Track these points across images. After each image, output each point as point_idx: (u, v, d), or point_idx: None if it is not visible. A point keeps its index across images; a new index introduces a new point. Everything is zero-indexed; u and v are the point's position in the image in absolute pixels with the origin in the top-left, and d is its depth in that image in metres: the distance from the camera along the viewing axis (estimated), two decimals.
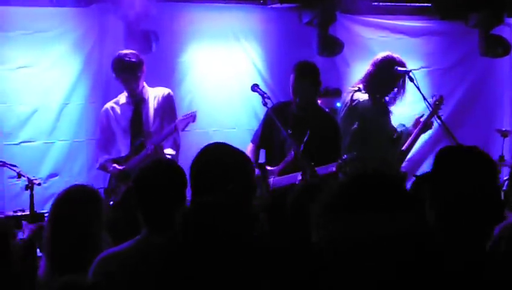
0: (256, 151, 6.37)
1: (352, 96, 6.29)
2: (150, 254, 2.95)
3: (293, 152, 5.95)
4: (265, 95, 6.20)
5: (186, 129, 6.37)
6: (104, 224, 3.53)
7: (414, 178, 3.38)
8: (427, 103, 6.47)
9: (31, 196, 6.33)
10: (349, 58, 8.17)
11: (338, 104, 7.13)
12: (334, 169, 5.77)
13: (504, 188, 5.92)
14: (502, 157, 7.39)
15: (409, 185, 6.86)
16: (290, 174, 5.97)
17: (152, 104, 6.45)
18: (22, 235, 5.91)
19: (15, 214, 6.44)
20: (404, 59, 6.41)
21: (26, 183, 6.35)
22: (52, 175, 7.33)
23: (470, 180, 2.46)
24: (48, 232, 3.54)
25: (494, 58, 8.40)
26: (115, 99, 6.60)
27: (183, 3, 7.79)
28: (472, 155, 2.58)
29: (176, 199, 3.25)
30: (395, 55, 6.39)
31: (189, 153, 3.99)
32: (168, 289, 2.55)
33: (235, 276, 2.04)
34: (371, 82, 6.29)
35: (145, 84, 6.48)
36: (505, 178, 6.40)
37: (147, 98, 6.45)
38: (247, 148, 6.27)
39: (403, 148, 6.61)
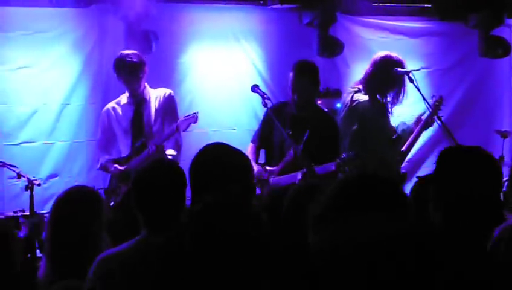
0: (256, 151, 6.39)
1: (352, 97, 6.29)
2: (149, 254, 2.95)
3: (292, 152, 5.96)
4: (265, 96, 6.21)
5: (187, 130, 6.38)
6: (104, 224, 3.54)
7: (415, 179, 3.39)
8: (427, 104, 6.48)
9: (31, 196, 6.34)
10: (349, 59, 8.18)
11: (338, 105, 7.13)
12: (333, 168, 5.79)
13: (503, 189, 5.92)
14: (501, 158, 7.39)
15: (408, 185, 6.90)
16: (290, 174, 5.99)
17: (153, 105, 6.45)
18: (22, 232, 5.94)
19: (15, 214, 6.45)
20: (403, 59, 6.41)
21: (26, 183, 6.36)
22: (52, 176, 7.33)
23: (475, 180, 2.46)
24: (48, 232, 3.54)
25: (494, 59, 8.40)
26: (116, 100, 6.61)
27: (183, 3, 7.79)
28: (475, 155, 2.58)
29: (175, 199, 3.25)
30: (394, 54, 6.39)
31: (189, 153, 3.99)
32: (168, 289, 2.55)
33: (239, 276, 2.04)
34: (370, 82, 6.29)
35: (146, 84, 6.48)
36: (505, 179, 6.40)
37: (148, 98, 6.46)
38: (247, 149, 6.28)
39: (405, 146, 6.62)
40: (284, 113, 6.15)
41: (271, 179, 6.15)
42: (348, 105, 6.31)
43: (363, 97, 6.27)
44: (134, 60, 6.31)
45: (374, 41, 8.28)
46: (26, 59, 7.22)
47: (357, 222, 1.79)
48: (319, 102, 7.04)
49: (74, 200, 3.55)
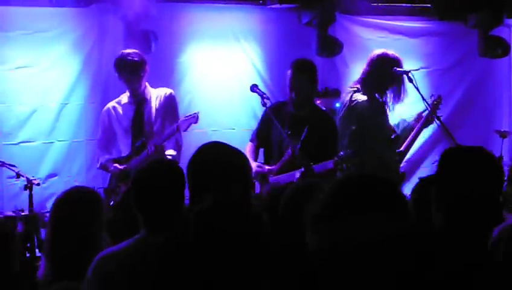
0: (255, 150, 6.39)
1: (351, 96, 6.29)
2: (148, 254, 2.95)
3: (290, 151, 5.97)
4: (264, 96, 6.22)
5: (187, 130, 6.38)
6: (104, 225, 3.54)
7: (415, 179, 3.39)
8: (426, 104, 6.48)
9: (30, 196, 6.34)
10: (349, 58, 8.18)
11: (337, 105, 7.14)
12: (331, 166, 5.80)
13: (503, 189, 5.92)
14: (500, 157, 7.40)
15: (407, 185, 6.91)
16: (288, 173, 6.00)
17: (154, 104, 6.45)
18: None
19: (14, 214, 6.45)
20: (402, 59, 6.40)
21: (25, 183, 6.37)
22: (51, 175, 7.33)
23: (476, 181, 2.46)
24: (48, 233, 3.54)
25: (493, 59, 8.40)
26: (116, 99, 6.60)
27: (182, 3, 7.79)
28: (477, 156, 2.58)
29: (174, 199, 3.25)
30: (390, 52, 6.38)
31: (187, 153, 3.98)
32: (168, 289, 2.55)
33: (240, 276, 2.04)
34: (367, 81, 6.28)
35: (147, 84, 6.48)
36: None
37: (149, 98, 6.45)
38: (246, 148, 6.29)
39: (404, 144, 6.62)
40: (282, 113, 6.16)
41: (270, 178, 6.16)
42: (346, 105, 6.31)
43: (361, 97, 6.27)
44: (136, 58, 6.31)
45: (373, 41, 8.28)
46: (25, 59, 7.22)
47: (355, 221, 1.79)
48: (318, 101, 7.05)
49: (74, 200, 3.55)
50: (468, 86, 8.77)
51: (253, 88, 6.32)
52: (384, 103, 6.34)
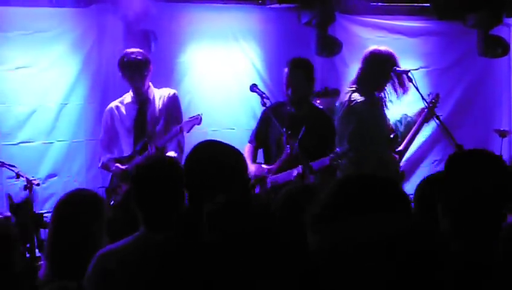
0: (253, 151, 6.41)
1: (350, 96, 6.28)
2: (149, 252, 2.96)
3: (288, 150, 5.99)
4: (264, 95, 6.23)
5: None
6: (105, 226, 3.54)
7: (413, 179, 3.38)
8: (425, 103, 6.49)
9: (30, 196, 6.34)
10: (348, 58, 8.17)
11: (337, 104, 7.14)
12: (327, 162, 5.83)
13: None
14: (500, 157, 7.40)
15: (406, 185, 6.90)
16: (286, 172, 6.02)
17: (157, 104, 6.45)
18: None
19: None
20: (396, 54, 6.40)
21: (25, 183, 6.35)
22: (51, 175, 7.33)
23: (485, 185, 2.45)
24: (49, 234, 3.55)
25: (493, 58, 8.40)
26: (120, 99, 6.60)
27: (182, 3, 7.79)
28: (485, 160, 2.56)
29: (174, 196, 3.25)
30: (382, 47, 6.36)
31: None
32: (167, 287, 2.56)
33: (242, 275, 2.05)
34: (363, 79, 6.26)
35: (151, 84, 6.48)
36: None
37: (152, 98, 6.45)
38: (245, 149, 6.29)
39: (406, 139, 6.62)
40: (281, 113, 6.17)
41: (268, 178, 6.18)
42: (345, 105, 6.30)
43: (360, 97, 6.26)
44: (139, 57, 6.32)
45: (373, 40, 8.26)
46: (25, 59, 7.22)
47: (356, 221, 1.79)
48: (317, 101, 7.06)
49: (76, 202, 3.56)
50: (468, 85, 8.77)
51: (253, 88, 6.33)
52: (383, 101, 6.33)
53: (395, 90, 6.28)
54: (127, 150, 6.50)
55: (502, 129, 8.04)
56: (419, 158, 8.44)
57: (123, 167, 6.36)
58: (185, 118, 6.47)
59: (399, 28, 8.54)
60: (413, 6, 8.50)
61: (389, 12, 8.49)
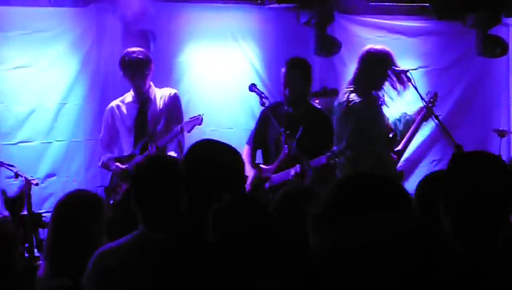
0: (252, 153, 6.41)
1: (348, 97, 6.28)
2: (149, 251, 2.96)
3: (286, 149, 6.00)
4: (263, 95, 6.24)
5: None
6: (105, 227, 3.55)
7: (415, 180, 3.38)
8: (424, 102, 6.50)
9: (29, 196, 6.33)
10: (347, 58, 8.17)
11: (335, 104, 7.14)
12: (324, 161, 5.84)
13: None
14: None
15: (406, 184, 6.90)
16: (283, 171, 6.03)
17: (158, 104, 6.45)
18: None
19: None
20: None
21: (28, 185, 6.35)
22: (49, 175, 7.33)
23: (486, 186, 2.44)
24: (49, 233, 3.55)
25: (492, 58, 8.41)
26: (121, 98, 6.60)
27: (181, 3, 7.79)
28: (487, 161, 2.56)
29: (173, 194, 3.24)
30: (378, 46, 6.36)
31: None
32: (167, 287, 2.56)
33: (244, 275, 2.05)
34: (360, 79, 6.26)
35: (152, 83, 6.48)
36: None
37: (153, 97, 6.45)
38: (243, 151, 6.28)
39: (404, 138, 6.62)
40: (279, 112, 6.18)
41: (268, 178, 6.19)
42: (343, 106, 6.29)
43: (358, 97, 6.26)
44: (141, 56, 6.32)
45: (372, 40, 8.25)
46: (24, 58, 7.22)
47: (357, 221, 1.79)
48: (316, 101, 7.06)
49: (76, 202, 3.56)
50: (467, 85, 8.77)
51: (252, 88, 6.34)
52: (381, 100, 6.32)
53: (395, 88, 6.28)
54: (127, 150, 6.49)
55: (500, 129, 8.04)
56: (418, 158, 8.44)
57: (123, 166, 6.36)
58: (185, 118, 6.47)
59: (398, 28, 8.54)
60: (412, 6, 8.51)
61: (388, 12, 8.49)
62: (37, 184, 6.43)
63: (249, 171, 6.10)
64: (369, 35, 8.36)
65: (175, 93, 6.53)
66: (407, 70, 6.31)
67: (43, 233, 6.10)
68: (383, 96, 6.30)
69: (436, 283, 1.64)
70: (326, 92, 7.81)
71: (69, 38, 7.37)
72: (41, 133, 7.31)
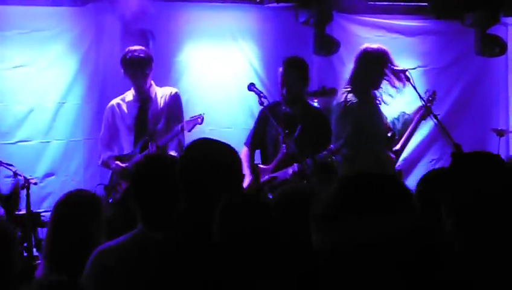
0: (250, 154, 6.40)
1: (345, 97, 6.28)
2: (148, 250, 2.96)
3: (284, 149, 6.00)
4: (261, 95, 6.24)
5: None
6: (104, 227, 3.55)
7: (414, 179, 3.38)
8: (422, 102, 6.50)
9: (27, 195, 6.34)
10: (346, 57, 8.16)
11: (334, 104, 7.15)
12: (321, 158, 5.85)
13: None
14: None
15: (405, 184, 6.88)
16: (281, 170, 6.03)
17: (159, 103, 6.45)
18: None
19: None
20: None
21: (23, 182, 6.36)
22: (48, 174, 7.33)
23: (490, 188, 2.44)
24: (48, 233, 3.55)
25: (490, 57, 8.42)
26: (121, 96, 6.59)
27: (180, 2, 7.79)
28: (488, 161, 2.56)
29: (173, 193, 3.24)
30: (374, 45, 6.36)
31: None
32: (167, 286, 2.56)
33: (245, 274, 2.05)
34: (356, 79, 6.26)
35: (153, 82, 6.48)
36: None
37: (153, 96, 6.45)
38: (242, 152, 6.27)
39: (403, 138, 6.62)
40: (278, 112, 6.18)
41: (264, 177, 6.20)
42: (342, 105, 6.29)
43: (355, 98, 6.25)
44: (142, 55, 6.32)
45: (370, 40, 8.24)
46: (23, 58, 7.21)
47: (357, 221, 1.79)
48: (315, 100, 7.06)
49: (75, 202, 3.56)
50: (465, 84, 8.78)
51: (251, 87, 6.34)
52: (379, 99, 6.32)
53: (393, 86, 6.28)
54: (127, 148, 6.49)
55: (499, 128, 8.04)
56: (417, 157, 8.45)
57: (123, 165, 6.36)
58: (185, 117, 6.47)
59: (397, 27, 8.55)
60: (411, 6, 8.51)
61: (386, 11, 8.49)
62: (35, 183, 6.44)
63: (247, 175, 6.10)
64: (368, 35, 8.36)
65: (176, 92, 6.52)
66: (406, 70, 6.31)
67: (41, 232, 6.10)
68: (381, 95, 6.30)
69: (436, 282, 1.64)
70: (325, 92, 7.81)
71: (68, 38, 7.37)
72: (40, 133, 7.31)
